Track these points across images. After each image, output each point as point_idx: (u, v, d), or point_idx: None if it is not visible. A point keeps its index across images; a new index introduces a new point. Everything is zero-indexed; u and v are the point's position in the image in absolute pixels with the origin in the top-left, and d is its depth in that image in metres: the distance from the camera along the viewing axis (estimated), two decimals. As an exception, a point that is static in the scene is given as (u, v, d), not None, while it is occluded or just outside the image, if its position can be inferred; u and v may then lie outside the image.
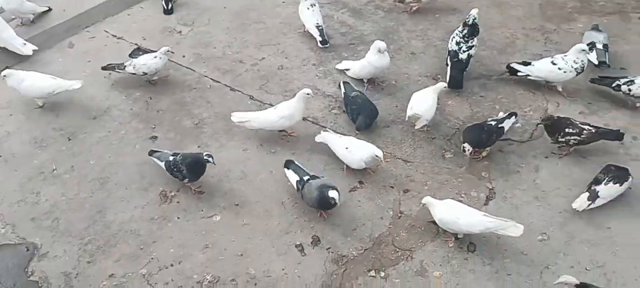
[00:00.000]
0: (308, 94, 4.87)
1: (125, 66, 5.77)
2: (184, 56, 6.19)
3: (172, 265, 4.19)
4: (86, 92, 5.89)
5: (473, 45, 5.40)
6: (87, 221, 4.55)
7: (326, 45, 6.12)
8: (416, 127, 4.91)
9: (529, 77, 5.22)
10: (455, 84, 5.38)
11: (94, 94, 5.87)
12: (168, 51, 5.79)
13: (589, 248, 4.00)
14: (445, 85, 5.00)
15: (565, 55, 5.09)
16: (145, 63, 5.74)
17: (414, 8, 6.52)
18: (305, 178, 4.32)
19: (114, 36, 6.78)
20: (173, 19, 6.94)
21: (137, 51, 6.45)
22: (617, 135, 4.55)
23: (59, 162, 5.07)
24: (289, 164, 4.56)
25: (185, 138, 5.27)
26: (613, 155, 4.58)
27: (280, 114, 4.94)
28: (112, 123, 5.50)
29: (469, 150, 4.48)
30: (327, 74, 5.88)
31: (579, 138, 4.50)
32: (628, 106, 5.05)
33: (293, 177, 4.46)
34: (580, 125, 4.55)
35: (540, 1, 6.51)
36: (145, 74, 5.77)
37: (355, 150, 4.54)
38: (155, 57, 5.76)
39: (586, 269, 3.85)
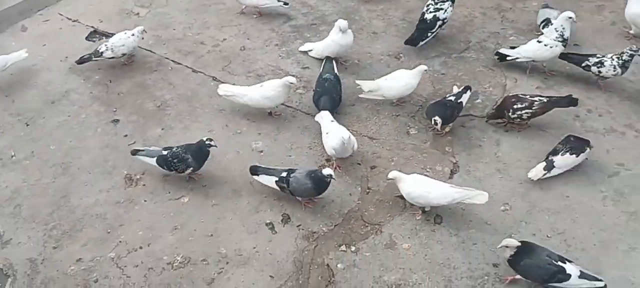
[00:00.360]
0: (291, 83, 4.88)
1: (102, 52, 5.57)
2: (143, 38, 6.06)
3: (141, 248, 4.15)
4: (43, 77, 5.75)
5: (441, 8, 5.48)
6: (51, 207, 4.45)
7: (287, 6, 6.21)
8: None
9: (517, 60, 5.27)
10: (410, 41, 5.55)
11: (51, 79, 5.73)
12: (143, 30, 5.71)
13: (550, 216, 4.16)
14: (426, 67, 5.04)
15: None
16: (124, 43, 5.62)
17: None
18: (284, 175, 4.23)
19: (69, 19, 6.62)
20: (130, 1, 6.82)
21: (94, 34, 6.33)
22: (570, 101, 4.71)
23: (18, 148, 4.94)
24: (256, 170, 4.40)
25: (148, 120, 5.20)
26: (569, 129, 4.75)
27: (264, 94, 4.94)
28: (72, 107, 5.38)
29: (439, 122, 4.55)
30: (290, 54, 5.89)
31: (530, 110, 4.64)
32: (583, 81, 5.23)
33: (268, 179, 4.30)
34: (529, 98, 4.69)
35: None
36: (125, 54, 5.64)
37: (331, 136, 4.51)
38: (134, 34, 5.67)
39: (547, 236, 4.00)
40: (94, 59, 5.62)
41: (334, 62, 5.30)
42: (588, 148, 4.34)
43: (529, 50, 5.18)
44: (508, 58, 5.27)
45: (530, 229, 4.07)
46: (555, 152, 4.35)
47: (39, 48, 6.12)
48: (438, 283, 3.81)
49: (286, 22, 6.36)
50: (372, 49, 5.87)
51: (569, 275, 3.50)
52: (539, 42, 5.13)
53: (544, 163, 4.34)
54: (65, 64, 5.90)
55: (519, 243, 3.58)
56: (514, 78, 5.35)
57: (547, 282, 3.58)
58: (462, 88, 4.89)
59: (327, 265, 3.96)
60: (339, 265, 3.96)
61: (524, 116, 4.65)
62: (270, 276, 3.92)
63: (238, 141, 4.92)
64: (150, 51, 6.04)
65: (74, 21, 6.59)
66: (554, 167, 4.31)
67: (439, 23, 5.59)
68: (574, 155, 4.30)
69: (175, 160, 4.43)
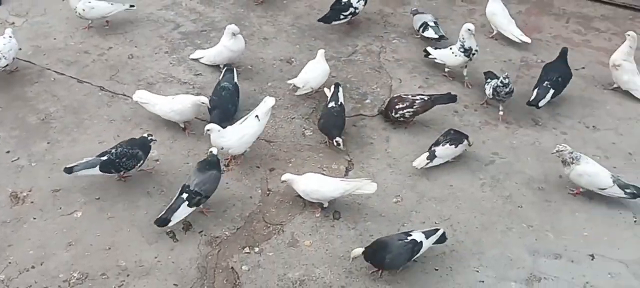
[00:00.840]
0: (203, 103, 4.83)
1: None
2: (20, 49, 5.74)
3: (33, 267, 3.96)
4: None
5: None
6: None
7: (133, 8, 6.18)
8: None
9: (435, 60, 5.63)
10: (324, 19, 6.05)
11: None
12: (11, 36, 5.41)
13: (436, 204, 4.48)
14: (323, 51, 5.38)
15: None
16: (11, 48, 5.32)
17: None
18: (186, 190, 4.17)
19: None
20: (3, 10, 6.43)
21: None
22: (450, 98, 5.10)
23: None
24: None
25: (31, 135, 4.97)
26: (450, 124, 5.13)
27: (173, 107, 4.87)
28: (-56, 126, 4.99)
29: (342, 142, 4.72)
30: (181, 61, 5.84)
31: (412, 109, 4.97)
32: (459, 79, 5.67)
33: (180, 212, 4.12)
34: (411, 97, 5.02)
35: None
36: (15, 58, 5.40)
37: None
38: (11, 36, 5.39)
39: (435, 223, 4.31)
40: None
41: (235, 71, 5.29)
42: (466, 141, 4.72)
43: (443, 54, 5.57)
44: (430, 56, 5.66)
45: (420, 218, 4.37)
46: (436, 143, 4.70)
47: None
48: (339, 275, 3.98)
49: (175, 29, 6.30)
50: (264, 54, 5.97)
51: (421, 242, 3.86)
52: (450, 49, 5.51)
53: (426, 154, 4.67)
54: None
55: (363, 249, 3.86)
56: (399, 79, 5.68)
57: (411, 258, 3.90)
58: (333, 88, 5.08)
59: (232, 268, 4.01)
60: (243, 267, 4.02)
61: (407, 115, 4.97)
62: (174, 284, 3.91)
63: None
64: (30, 62, 5.75)
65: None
66: (435, 157, 4.64)
67: (351, 10, 5.99)
68: (453, 146, 4.67)
69: (124, 160, 4.33)
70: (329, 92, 5.10)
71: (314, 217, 4.34)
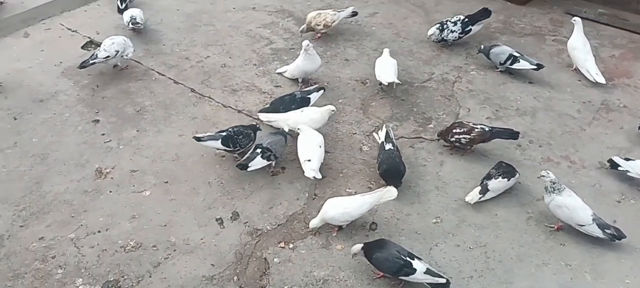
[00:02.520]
0: (333, 111, 5.27)
1: (97, 55, 6.07)
2: (134, 50, 6.55)
3: (99, 232, 4.52)
4: (36, 78, 6.24)
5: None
6: (25, 191, 4.86)
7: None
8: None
9: (628, 174, 4.82)
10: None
11: (43, 80, 6.21)
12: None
13: (476, 230, 4.46)
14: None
15: None
16: (113, 41, 6.12)
17: (318, 36, 6.87)
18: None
19: (69, 29, 7.15)
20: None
21: (90, 44, 6.86)
22: (512, 134, 5.04)
23: (3, 139, 5.38)
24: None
25: (126, 122, 5.64)
26: (510, 156, 5.07)
27: (311, 117, 5.20)
28: (58, 106, 5.84)
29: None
30: (266, 74, 6.33)
31: (469, 136, 4.97)
32: (530, 113, 5.58)
33: (256, 162, 4.83)
34: (471, 125, 5.03)
35: (467, 20, 7.08)
36: (118, 52, 6.13)
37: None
38: (125, 40, 6.23)
39: (470, 248, 4.29)
40: (91, 62, 6.08)
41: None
42: (517, 174, 4.66)
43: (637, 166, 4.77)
44: (619, 169, 4.85)
45: (456, 241, 4.38)
46: (488, 177, 4.67)
47: (37, 53, 6.66)
48: (362, 281, 4.12)
49: (267, 45, 6.83)
50: (342, 73, 6.29)
51: (415, 269, 3.88)
52: None
53: (479, 188, 4.66)
54: (59, 68, 6.40)
55: (362, 245, 4.01)
56: (468, 108, 5.71)
57: (396, 274, 3.95)
58: (383, 129, 5.11)
59: (265, 258, 4.30)
60: (275, 260, 4.29)
61: (463, 141, 5.00)
62: (212, 264, 4.27)
63: (205, 147, 5.30)
64: (139, 62, 6.52)
65: (73, 31, 7.12)
66: (488, 190, 4.62)
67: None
68: (506, 179, 4.62)
69: (240, 137, 4.99)
70: (380, 134, 5.13)
71: (351, 225, 4.51)
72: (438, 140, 5.27)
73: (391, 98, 5.86)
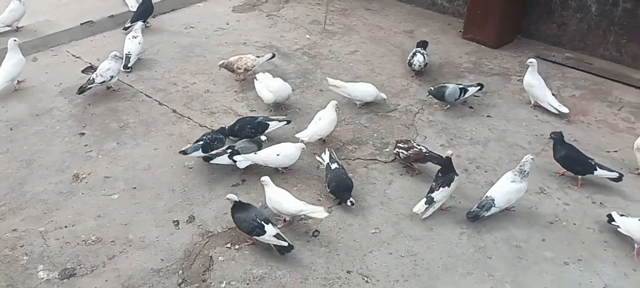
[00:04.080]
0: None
1: (93, 79, 6.66)
2: (128, 75, 7.13)
3: (66, 227, 4.95)
4: (36, 96, 6.82)
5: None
6: (8, 190, 5.34)
7: (128, 70, 7.22)
8: None
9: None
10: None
11: (42, 97, 6.79)
12: (116, 55, 6.83)
13: (410, 241, 4.72)
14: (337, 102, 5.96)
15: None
16: (108, 68, 6.70)
17: (242, 79, 7.18)
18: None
19: (73, 55, 7.78)
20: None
21: (90, 69, 7.45)
22: (440, 160, 5.28)
23: (-3, 145, 5.94)
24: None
25: (108, 136, 6.13)
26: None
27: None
28: (51, 120, 6.38)
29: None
30: (244, 99, 6.80)
31: (406, 153, 5.40)
32: (482, 143, 5.91)
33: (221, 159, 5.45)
34: (413, 144, 5.45)
35: (440, 61, 7.51)
36: (113, 77, 6.72)
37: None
38: (115, 56, 6.81)
39: (401, 256, 4.58)
40: (88, 86, 6.67)
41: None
42: (456, 176, 4.96)
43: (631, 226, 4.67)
44: (613, 223, 4.80)
45: (390, 249, 4.68)
46: (431, 190, 4.99)
47: (41, 74, 7.27)
48: (296, 279, 4.43)
49: (250, 75, 7.32)
50: (314, 102, 6.72)
51: (265, 231, 4.55)
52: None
53: (425, 199, 4.97)
54: (58, 88, 6.99)
55: (236, 199, 4.70)
56: (424, 135, 6.06)
57: (250, 233, 4.61)
58: (327, 152, 5.45)
59: (211, 256, 4.66)
60: (220, 258, 4.65)
61: (401, 155, 5.44)
62: (161, 259, 4.64)
63: (175, 159, 5.74)
64: (131, 86, 7.07)
65: (77, 57, 7.75)
66: (434, 201, 4.92)
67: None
68: (447, 187, 4.93)
69: (215, 143, 5.59)
70: (323, 157, 5.47)
71: (296, 231, 4.85)
72: (392, 161, 5.61)
73: (355, 124, 6.25)
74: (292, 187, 5.36)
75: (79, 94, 6.65)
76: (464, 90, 6.34)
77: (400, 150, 5.42)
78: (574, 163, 5.33)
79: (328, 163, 5.30)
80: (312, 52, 7.89)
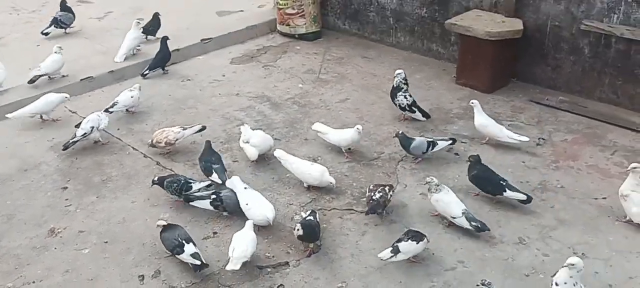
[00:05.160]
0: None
1: (76, 133, 6.77)
2: (118, 129, 7.21)
3: (33, 282, 4.94)
4: (28, 151, 6.95)
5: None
6: (-16, 244, 5.39)
7: (110, 113, 7.25)
8: None
9: None
10: None
11: (33, 153, 6.91)
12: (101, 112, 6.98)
13: (380, 293, 4.57)
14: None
15: None
16: (88, 119, 6.83)
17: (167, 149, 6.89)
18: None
19: (70, 111, 7.92)
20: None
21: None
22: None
23: (-19, 200, 6.02)
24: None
25: (89, 190, 6.16)
26: (433, 232, 5.23)
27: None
28: (37, 175, 6.47)
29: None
30: (228, 150, 6.78)
31: (370, 194, 5.40)
32: (463, 190, 5.72)
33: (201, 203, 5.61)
34: (382, 189, 5.36)
35: (431, 107, 7.38)
36: (93, 127, 6.79)
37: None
38: (99, 115, 6.93)
39: (365, 310, 4.41)
40: (71, 141, 6.77)
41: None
42: (426, 239, 4.78)
43: None
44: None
45: (354, 303, 4.50)
46: (399, 241, 4.82)
47: (36, 130, 7.42)
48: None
49: (238, 125, 7.31)
50: (299, 152, 6.65)
51: (184, 250, 4.85)
52: None
53: (390, 248, 4.81)
54: (50, 143, 7.10)
55: (165, 223, 5.06)
56: (405, 184, 5.91)
57: (172, 251, 4.95)
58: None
59: (171, 311, 4.55)
60: (179, 313, 4.54)
61: (367, 194, 5.46)
62: (122, 314, 4.56)
63: (150, 212, 5.71)
64: (119, 139, 7.14)
65: (72, 112, 7.88)
66: (399, 251, 4.75)
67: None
68: (415, 242, 4.76)
69: (174, 185, 5.69)
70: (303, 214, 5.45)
71: (261, 285, 4.72)
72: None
73: (336, 173, 6.13)
74: (263, 240, 5.25)
75: (64, 150, 6.73)
76: (432, 144, 6.18)
77: (371, 193, 5.37)
78: (485, 183, 5.51)
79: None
80: (302, 101, 7.86)
